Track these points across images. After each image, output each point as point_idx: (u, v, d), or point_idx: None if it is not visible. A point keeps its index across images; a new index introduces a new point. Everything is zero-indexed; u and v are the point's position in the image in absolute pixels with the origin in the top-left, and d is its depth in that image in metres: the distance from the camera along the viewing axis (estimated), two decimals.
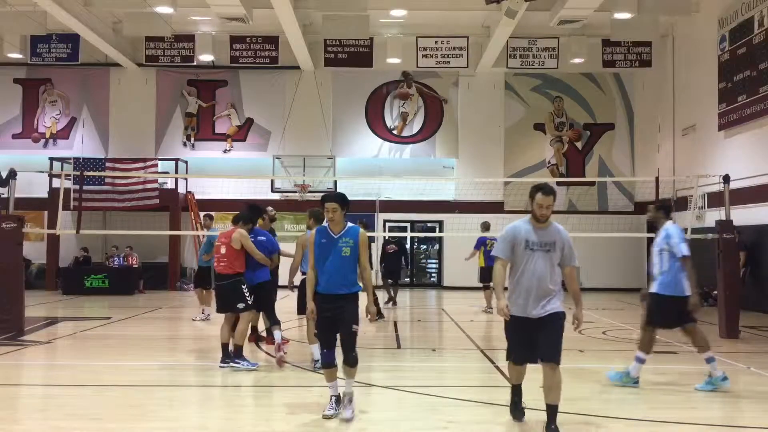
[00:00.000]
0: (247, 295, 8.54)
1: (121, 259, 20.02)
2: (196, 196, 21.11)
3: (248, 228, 8.76)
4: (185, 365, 9.05)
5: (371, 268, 6.93)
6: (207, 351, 9.80)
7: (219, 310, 8.76)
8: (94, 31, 19.17)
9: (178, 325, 13.74)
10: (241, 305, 8.52)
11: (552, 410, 5.48)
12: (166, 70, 22.29)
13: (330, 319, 6.11)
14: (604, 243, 19.61)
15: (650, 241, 22.27)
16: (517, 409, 6.06)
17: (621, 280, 20.98)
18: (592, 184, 21.51)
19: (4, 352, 9.53)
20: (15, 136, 22.46)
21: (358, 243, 6.15)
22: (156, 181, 20.70)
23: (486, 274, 15.27)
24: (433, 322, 14.69)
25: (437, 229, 22.37)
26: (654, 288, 7.54)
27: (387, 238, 17.25)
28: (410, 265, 20.83)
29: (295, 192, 20.81)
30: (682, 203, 19.35)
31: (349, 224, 6.23)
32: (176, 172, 21.23)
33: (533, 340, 5.56)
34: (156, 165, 21.00)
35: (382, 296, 17.57)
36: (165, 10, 17.52)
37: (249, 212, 8.94)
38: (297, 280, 8.68)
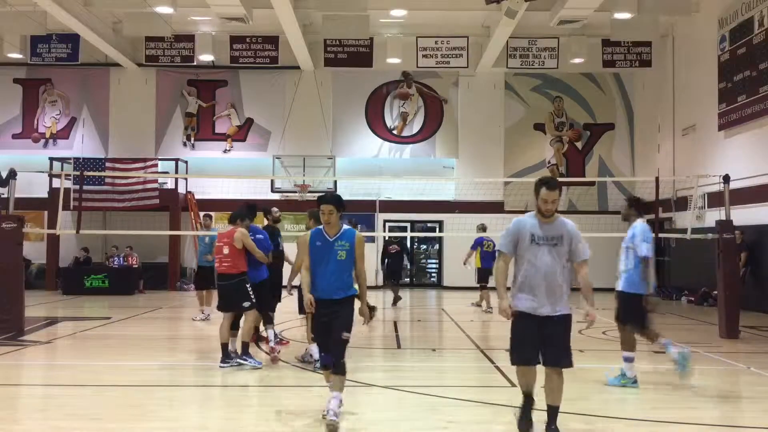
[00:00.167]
0: (251, 293, 8.62)
1: (121, 259, 20.02)
2: (196, 196, 21.10)
3: (246, 226, 8.81)
4: (185, 365, 9.05)
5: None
6: (207, 351, 9.79)
7: (222, 310, 8.76)
8: (94, 31, 19.17)
9: (178, 325, 13.74)
10: (246, 304, 8.60)
11: (553, 411, 5.47)
12: (166, 70, 22.29)
13: (326, 324, 5.99)
14: (604, 243, 19.44)
15: None
16: (523, 421, 5.55)
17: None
18: (592, 184, 21.51)
19: (4, 352, 9.53)
20: (15, 136, 22.45)
21: (354, 246, 6.00)
22: (156, 181, 20.70)
23: (482, 275, 15.33)
24: (433, 322, 14.69)
25: (437, 229, 22.36)
26: (620, 286, 7.61)
27: (389, 238, 17.27)
28: (410, 265, 20.86)
29: (295, 192, 20.81)
30: (682, 203, 19.36)
31: (345, 227, 6.07)
32: (176, 172, 21.22)
33: (539, 338, 5.37)
34: (156, 165, 20.99)
35: (383, 297, 17.58)
36: (165, 10, 17.52)
37: (245, 210, 8.95)
38: (297, 281, 8.68)
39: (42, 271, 20.99)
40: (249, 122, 22.49)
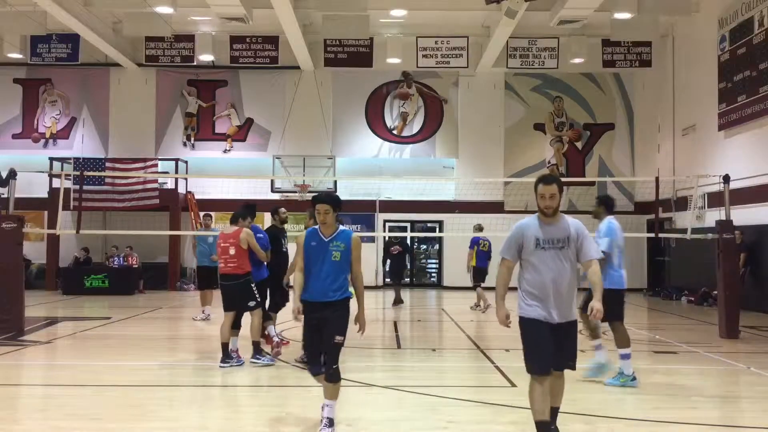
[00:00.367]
0: (256, 293, 8.75)
1: (121, 259, 20.02)
2: (196, 196, 21.09)
3: (248, 225, 8.92)
4: (185, 365, 9.04)
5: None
6: (207, 351, 9.80)
7: (227, 309, 8.80)
8: (94, 31, 19.18)
9: (178, 325, 13.74)
10: (252, 303, 8.72)
11: (553, 411, 5.45)
12: (166, 70, 22.29)
13: (316, 328, 5.68)
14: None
15: (650, 241, 22.25)
16: None
17: None
18: (592, 184, 21.50)
19: (4, 352, 9.53)
20: (15, 136, 22.46)
21: (351, 247, 5.71)
22: (156, 181, 20.70)
23: (477, 274, 15.39)
24: (433, 322, 14.69)
25: (437, 229, 22.36)
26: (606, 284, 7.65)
27: (391, 239, 17.30)
28: (410, 265, 20.90)
29: (295, 192, 20.81)
30: (682, 203, 19.36)
31: (342, 227, 5.83)
32: (176, 172, 21.23)
33: (552, 344, 5.10)
34: (156, 165, 20.99)
35: (383, 297, 17.58)
36: (165, 10, 17.53)
37: (246, 209, 9.06)
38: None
39: (42, 271, 20.99)
40: (249, 122, 22.49)
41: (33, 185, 19.49)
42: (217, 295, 10.58)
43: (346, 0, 17.66)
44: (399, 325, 13.36)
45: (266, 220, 18.58)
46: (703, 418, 6.34)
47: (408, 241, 22.67)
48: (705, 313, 15.51)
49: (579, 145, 22.61)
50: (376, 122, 22.51)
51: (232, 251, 8.65)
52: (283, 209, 10.21)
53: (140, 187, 20.48)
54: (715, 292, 12.88)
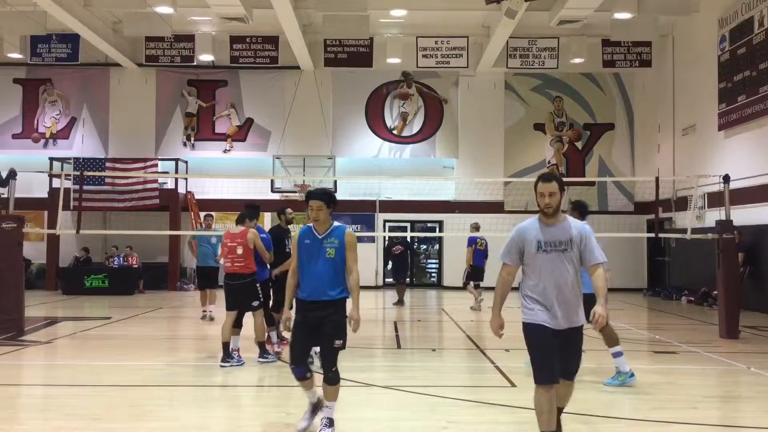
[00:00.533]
0: (260, 292, 8.88)
1: (121, 259, 20.03)
2: (196, 196, 21.10)
3: (253, 225, 9.06)
4: (185, 365, 9.05)
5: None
6: (207, 351, 9.80)
7: (230, 309, 8.81)
8: (94, 31, 19.17)
9: (178, 325, 13.74)
10: (255, 303, 8.80)
11: (558, 411, 5.40)
12: (166, 70, 22.28)
13: (308, 328, 5.54)
14: (604, 243, 19.52)
15: (650, 241, 22.24)
16: None
17: (621, 280, 20.95)
18: (592, 184, 21.50)
19: (4, 352, 9.54)
20: (15, 136, 22.45)
21: (345, 243, 5.57)
22: (156, 181, 20.71)
23: (473, 273, 15.47)
24: (433, 322, 14.67)
25: (437, 229, 22.36)
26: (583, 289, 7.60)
27: (392, 239, 17.31)
28: (410, 265, 20.91)
29: (295, 192, 20.80)
30: (682, 203, 19.36)
31: (336, 224, 5.67)
32: (176, 172, 21.22)
33: (558, 353, 4.91)
34: (156, 165, 21.00)
35: (383, 297, 17.58)
36: (165, 10, 17.52)
37: (252, 210, 9.14)
38: None
39: (42, 271, 20.99)
40: (249, 122, 22.49)
41: (33, 185, 19.51)
42: (217, 294, 10.59)
43: (346, 0, 17.66)
44: (399, 325, 13.34)
45: (266, 220, 18.76)
46: (703, 418, 6.33)
47: (408, 241, 22.70)
48: (705, 313, 15.51)
49: (579, 145, 22.61)
50: (376, 122, 22.51)
51: (239, 251, 8.71)
52: (289, 210, 10.22)
53: (140, 187, 20.49)
54: (715, 292, 12.88)
